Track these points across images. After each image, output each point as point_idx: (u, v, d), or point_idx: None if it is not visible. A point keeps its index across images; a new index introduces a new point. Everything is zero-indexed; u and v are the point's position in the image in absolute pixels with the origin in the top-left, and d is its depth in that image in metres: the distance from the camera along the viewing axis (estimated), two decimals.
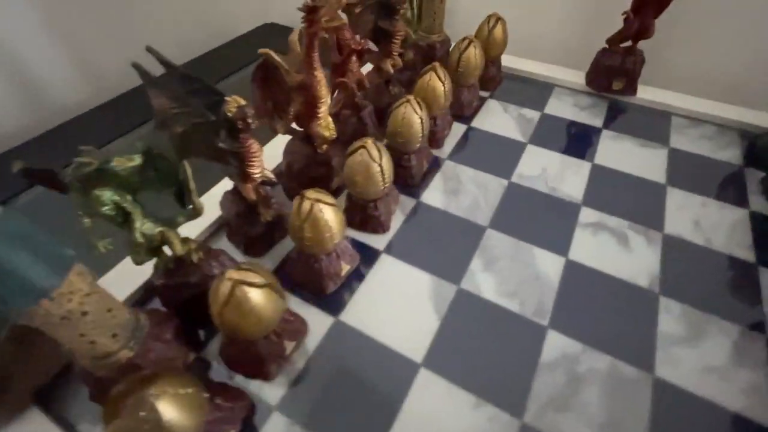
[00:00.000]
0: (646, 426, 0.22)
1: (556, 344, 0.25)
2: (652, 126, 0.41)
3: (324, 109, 0.28)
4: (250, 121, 0.22)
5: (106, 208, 0.19)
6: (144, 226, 0.20)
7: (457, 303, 0.27)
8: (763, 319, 0.26)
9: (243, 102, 0.21)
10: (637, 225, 0.32)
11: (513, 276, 0.29)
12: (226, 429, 0.20)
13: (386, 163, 0.28)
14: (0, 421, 0.21)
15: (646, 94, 0.44)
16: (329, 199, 0.24)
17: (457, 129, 0.41)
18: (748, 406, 0.22)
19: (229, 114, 0.21)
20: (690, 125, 0.42)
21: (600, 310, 0.27)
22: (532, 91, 0.46)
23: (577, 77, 0.46)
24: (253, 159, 0.24)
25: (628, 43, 0.42)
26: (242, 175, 0.25)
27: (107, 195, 0.19)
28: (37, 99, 0.46)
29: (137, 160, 0.19)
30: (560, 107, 0.44)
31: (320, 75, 0.26)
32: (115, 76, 0.51)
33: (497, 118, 0.43)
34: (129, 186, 0.19)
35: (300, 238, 0.24)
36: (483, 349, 0.25)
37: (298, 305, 0.27)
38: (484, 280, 0.28)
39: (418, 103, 0.31)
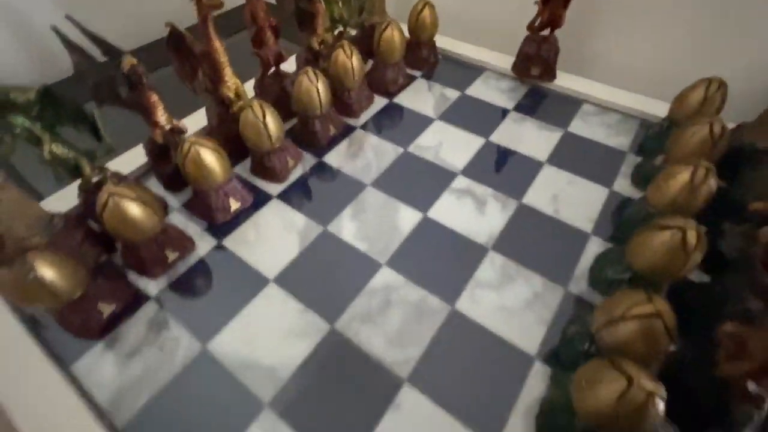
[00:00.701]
0: (426, 340, 0.27)
1: (384, 277, 0.31)
2: (560, 111, 0.45)
3: (228, 74, 0.34)
4: (141, 77, 0.28)
5: (18, 130, 0.26)
6: (55, 149, 0.27)
7: (319, 240, 0.33)
8: (570, 276, 0.30)
9: (135, 62, 0.28)
10: (499, 194, 0.36)
11: (373, 225, 0.34)
12: (105, 302, 0.27)
13: (271, 121, 0.33)
14: None
15: (563, 81, 0.47)
16: (210, 144, 0.31)
17: (380, 103, 0.46)
18: (518, 336, 0.27)
19: (123, 71, 0.28)
20: (596, 113, 0.44)
21: (432, 257, 0.32)
22: (462, 73, 0.50)
23: (508, 62, 0.50)
24: (154, 108, 0.31)
25: (547, 31, 0.45)
26: (148, 121, 0.32)
27: (19, 120, 0.26)
28: None
29: (32, 95, 0.26)
30: (482, 90, 0.48)
31: (217, 44, 0.32)
32: None
33: (419, 96, 0.47)
34: (35, 117, 0.26)
35: (186, 174, 0.31)
36: (324, 274, 0.31)
37: (192, 229, 0.34)
38: (347, 226, 0.34)
39: (315, 74, 0.36)
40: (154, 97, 0.30)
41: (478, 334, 0.27)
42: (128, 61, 0.28)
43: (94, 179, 0.31)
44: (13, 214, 0.26)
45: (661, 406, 0.18)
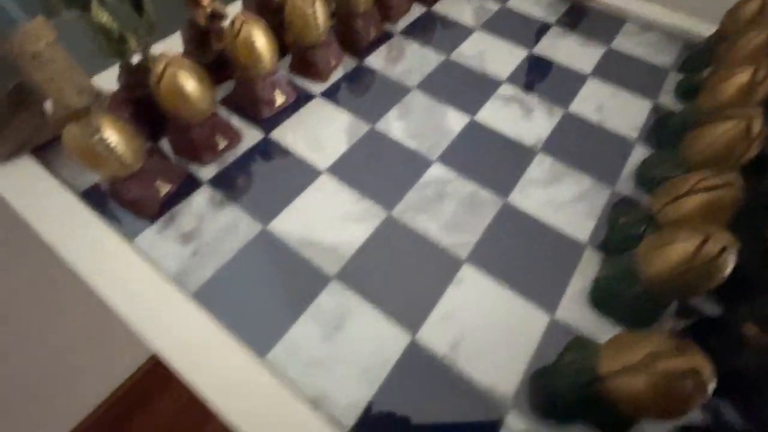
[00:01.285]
0: (480, 228, 0.28)
1: (435, 172, 0.31)
2: (602, 28, 0.43)
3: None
4: None
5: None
6: (101, 16, 0.25)
7: (367, 137, 0.33)
8: (616, 178, 0.31)
9: None
10: (545, 102, 0.36)
11: (421, 125, 0.34)
12: (162, 180, 0.27)
13: (320, 9, 0.32)
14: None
15: None
16: (261, 23, 0.29)
17: (417, 10, 0.44)
18: (570, 227, 0.28)
19: None
20: (639, 32, 0.43)
21: (482, 156, 0.32)
22: None
23: None
24: None
25: None
26: (191, 1, 0.30)
27: None
28: None
29: None
30: (523, 2, 0.46)
31: None
32: None
33: (458, 6, 0.45)
34: None
35: (235, 57, 0.30)
36: (375, 168, 0.31)
37: (237, 121, 0.33)
38: (395, 125, 0.34)
39: None
40: None
41: (531, 225, 0.28)
42: None
43: (137, 58, 0.29)
44: (65, 76, 0.24)
45: (733, 258, 0.19)
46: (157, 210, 0.27)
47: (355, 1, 0.36)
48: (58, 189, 0.28)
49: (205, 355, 0.22)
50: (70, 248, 0.25)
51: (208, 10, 0.31)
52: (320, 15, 0.32)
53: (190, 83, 0.26)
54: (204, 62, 0.34)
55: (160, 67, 0.25)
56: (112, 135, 0.23)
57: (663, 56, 0.41)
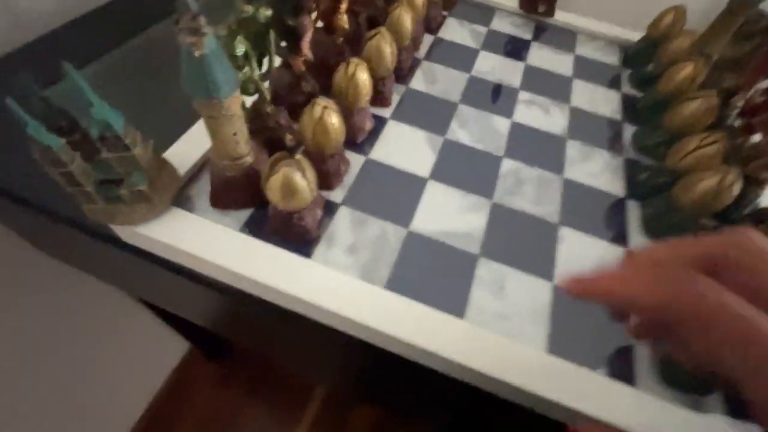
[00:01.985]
0: (557, 199, 0.37)
1: (507, 165, 0.40)
2: (564, 40, 0.57)
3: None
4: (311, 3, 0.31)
5: (239, 51, 0.27)
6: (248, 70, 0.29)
7: (446, 147, 0.40)
8: (621, 150, 0.43)
9: None
10: (555, 101, 0.47)
11: (478, 131, 0.42)
12: (318, 207, 0.31)
13: (391, 47, 0.38)
14: (149, 216, 0.29)
15: (559, 16, 0.59)
16: (364, 64, 0.35)
17: (428, 39, 0.53)
18: (608, 186, 0.39)
19: None
20: (589, 40, 0.58)
21: (531, 146, 0.42)
22: (479, 12, 0.58)
23: (512, 2, 0.59)
24: (306, 35, 0.33)
25: None
26: (295, 48, 0.34)
27: (242, 42, 0.27)
28: None
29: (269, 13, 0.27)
30: (502, 25, 0.57)
31: None
32: None
33: (456, 32, 0.54)
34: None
35: (345, 95, 0.35)
36: (464, 169, 0.38)
37: None
38: (460, 134, 0.42)
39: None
40: (309, 24, 0.33)
41: (587, 191, 0.39)
42: None
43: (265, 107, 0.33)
44: (242, 129, 0.28)
45: (739, 186, 0.31)
46: (318, 233, 0.32)
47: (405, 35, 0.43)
48: (218, 228, 0.30)
49: (423, 327, 0.27)
50: (263, 273, 0.28)
51: (303, 57, 0.35)
52: (391, 52, 0.39)
53: (338, 121, 0.31)
54: (297, 101, 0.38)
55: (318, 110, 0.29)
56: (309, 173, 0.27)
57: (611, 57, 0.55)
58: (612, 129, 0.45)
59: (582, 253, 0.34)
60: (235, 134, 0.27)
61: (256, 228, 0.32)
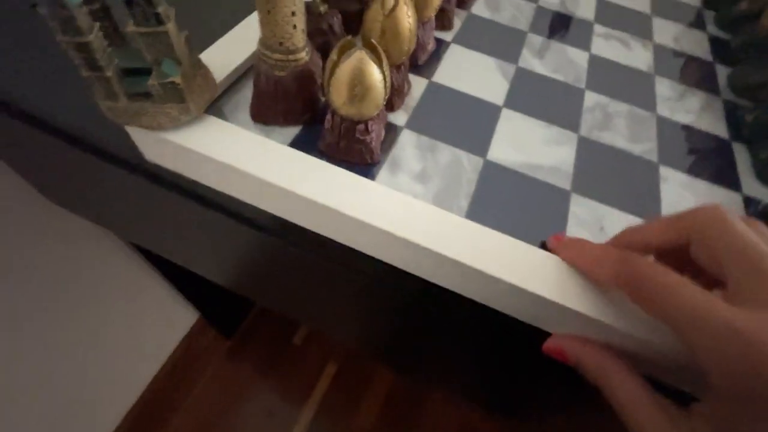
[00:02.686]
0: (655, 139, 0.32)
1: (592, 98, 0.34)
2: None
3: None
4: None
5: None
6: None
7: (519, 75, 0.34)
8: (718, 91, 0.37)
9: None
10: (635, 37, 0.41)
11: (555, 61, 0.36)
12: (382, 127, 0.26)
13: None
14: (181, 120, 0.24)
15: None
16: None
17: None
18: (711, 128, 0.33)
19: None
20: None
21: (616, 81, 0.36)
22: None
23: None
24: None
25: None
26: None
27: None
28: None
29: None
30: None
31: None
32: None
33: None
34: None
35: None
36: (541, 99, 0.33)
37: None
38: (534, 63, 0.36)
39: None
40: None
41: (687, 132, 0.33)
42: None
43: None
44: (301, 12, 0.22)
45: None
46: (379, 154, 0.26)
47: None
48: (261, 139, 0.25)
49: (516, 263, 0.22)
50: (320, 193, 0.23)
51: None
52: None
53: (413, 19, 0.25)
54: (354, 11, 0.32)
55: (391, 2, 0.24)
56: (386, 67, 0.22)
57: None
58: (703, 69, 0.39)
59: (686, 194, 0.29)
60: (293, 14, 0.22)
61: (304, 149, 0.26)
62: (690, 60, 0.40)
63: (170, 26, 0.21)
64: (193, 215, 0.31)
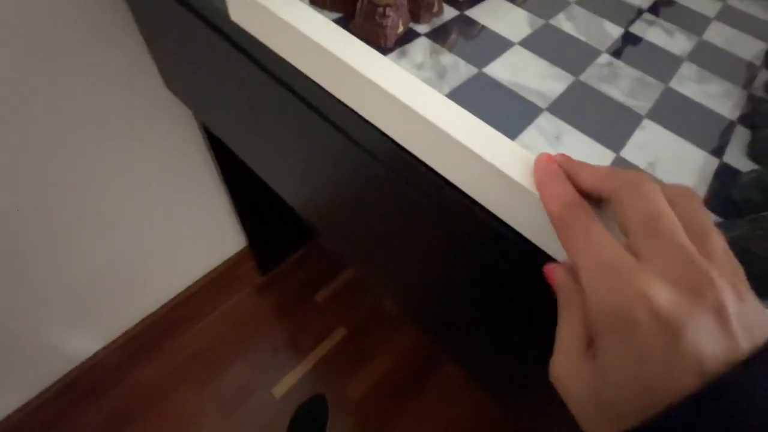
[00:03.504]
0: (653, 100, 0.34)
1: (606, 58, 0.37)
2: None
3: None
4: None
5: None
6: None
7: (545, 28, 0.38)
8: (748, 90, 0.37)
9: None
10: (683, 30, 0.42)
11: (586, 26, 0.40)
12: (403, 19, 0.32)
13: None
14: None
15: None
16: None
17: None
18: (715, 105, 0.34)
19: None
20: None
21: (640, 55, 0.38)
22: None
23: None
24: None
25: None
26: None
27: None
28: None
29: None
30: None
31: None
32: None
33: None
34: None
35: None
36: (556, 50, 0.36)
37: None
38: (565, 24, 0.39)
39: None
40: None
41: (689, 103, 0.34)
42: None
43: None
44: None
45: None
46: (394, 43, 0.33)
47: None
48: (316, 14, 0.32)
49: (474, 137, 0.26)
50: (343, 51, 0.29)
51: None
52: None
53: None
54: None
55: None
56: None
57: None
58: (745, 69, 0.39)
59: (661, 144, 0.30)
60: None
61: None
62: (733, 59, 0.40)
63: None
64: (262, 90, 0.40)
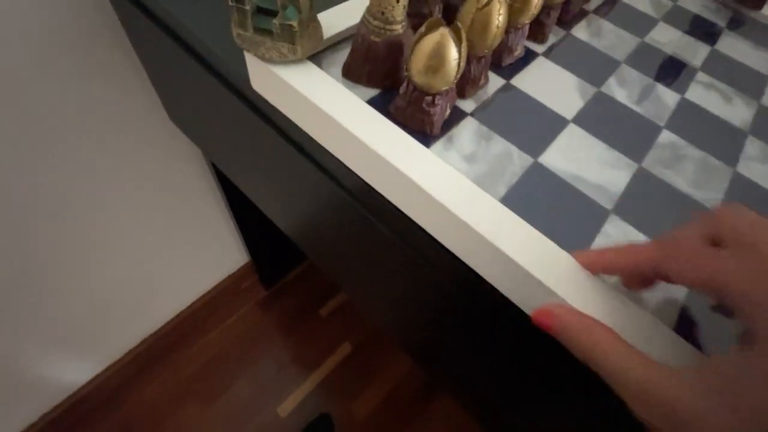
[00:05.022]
0: (723, 191, 0.31)
1: (667, 137, 0.33)
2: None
3: None
4: None
5: None
6: None
7: (597, 98, 0.35)
8: None
9: None
10: (741, 93, 0.39)
11: (640, 94, 0.36)
12: (450, 103, 0.29)
13: None
14: (288, 58, 0.29)
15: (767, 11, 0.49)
16: None
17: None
18: None
19: None
20: None
21: (703, 128, 0.35)
22: None
23: None
24: None
25: None
26: None
27: None
28: None
29: None
30: (690, 3, 0.49)
31: None
32: None
33: None
34: None
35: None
36: (613, 124, 0.33)
37: None
38: (618, 92, 0.36)
39: None
40: None
41: (762, 194, 0.31)
42: None
43: None
44: None
45: None
46: (440, 129, 0.29)
47: None
48: (347, 93, 0.29)
49: (536, 254, 0.23)
50: (383, 147, 0.26)
51: None
52: None
53: (504, 17, 0.28)
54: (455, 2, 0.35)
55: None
56: (464, 49, 0.25)
57: None
58: None
59: None
60: None
61: (377, 108, 0.30)
62: None
63: None
64: (276, 150, 0.36)
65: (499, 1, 0.27)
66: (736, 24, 0.48)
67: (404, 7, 0.27)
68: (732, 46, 0.45)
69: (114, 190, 0.71)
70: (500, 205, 0.25)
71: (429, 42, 0.24)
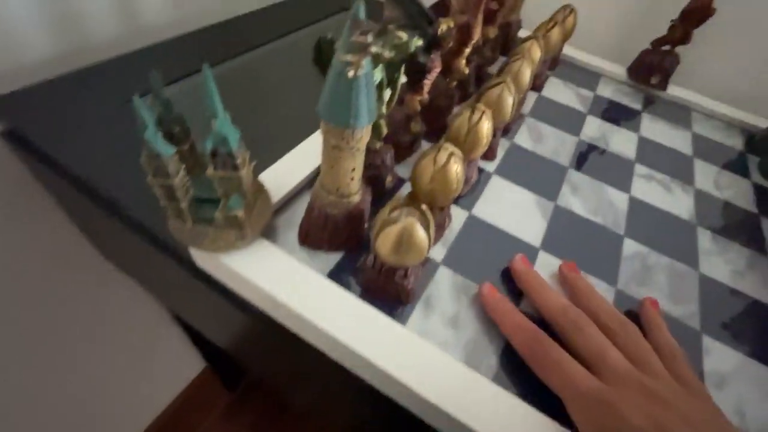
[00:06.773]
0: (696, 301, 0.31)
1: (631, 247, 0.34)
2: (678, 116, 0.52)
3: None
4: (449, 42, 0.28)
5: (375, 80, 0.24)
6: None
7: (557, 214, 0.35)
8: (763, 245, 0.37)
9: (452, 25, 0.28)
10: (676, 180, 0.42)
11: (592, 201, 0.37)
12: (420, 267, 0.27)
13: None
14: (237, 246, 0.26)
15: (673, 91, 0.54)
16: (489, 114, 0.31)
17: (531, 96, 0.49)
18: (752, 289, 0.32)
19: (439, 32, 0.28)
20: (704, 119, 0.52)
21: (658, 228, 0.36)
22: (583, 76, 0.55)
23: (618, 71, 0.56)
24: (432, 75, 0.31)
25: (668, 47, 0.52)
26: (416, 87, 0.31)
27: (380, 71, 0.24)
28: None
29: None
30: (607, 91, 0.54)
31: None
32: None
33: (560, 92, 0.51)
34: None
35: (460, 143, 0.31)
36: (579, 243, 0.33)
37: None
38: (573, 201, 0.37)
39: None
40: (438, 64, 0.30)
41: (728, 294, 0.32)
42: (446, 23, 0.28)
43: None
44: (359, 166, 0.24)
45: None
46: (414, 295, 0.27)
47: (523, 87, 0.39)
48: (305, 270, 0.26)
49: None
50: (349, 335, 0.23)
51: (422, 96, 0.32)
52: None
53: (461, 172, 0.27)
54: (404, 143, 0.35)
55: (444, 156, 0.26)
56: (432, 228, 0.23)
57: (733, 139, 0.50)
58: (749, 222, 0.39)
59: (735, 372, 0.27)
60: (353, 170, 0.24)
61: (344, 275, 0.27)
62: (733, 210, 0.40)
63: (244, 171, 0.23)
64: (229, 314, 0.32)
65: (456, 156, 0.26)
66: (650, 104, 0.53)
67: (359, 179, 0.25)
68: (653, 129, 0.48)
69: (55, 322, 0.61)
70: (496, 387, 0.22)
71: (395, 231, 0.22)
